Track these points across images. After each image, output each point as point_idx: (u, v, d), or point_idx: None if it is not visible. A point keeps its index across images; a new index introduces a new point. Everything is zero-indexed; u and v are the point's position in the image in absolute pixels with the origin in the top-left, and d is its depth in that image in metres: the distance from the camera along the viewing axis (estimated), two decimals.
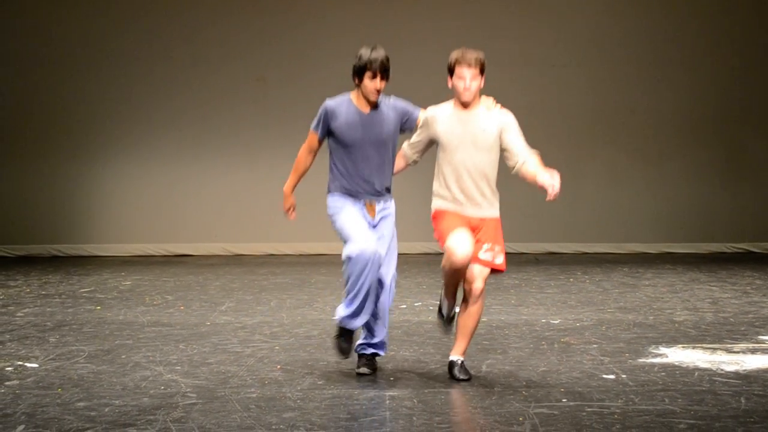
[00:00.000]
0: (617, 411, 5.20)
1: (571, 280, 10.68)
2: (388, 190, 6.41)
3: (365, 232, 6.02)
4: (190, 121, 13.65)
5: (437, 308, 6.45)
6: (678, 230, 13.46)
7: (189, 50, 13.60)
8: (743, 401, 5.37)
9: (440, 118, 6.06)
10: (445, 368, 6.21)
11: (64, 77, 13.67)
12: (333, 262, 12.02)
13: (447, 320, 6.43)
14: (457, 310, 6.28)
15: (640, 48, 13.41)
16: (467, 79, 5.87)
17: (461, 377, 5.90)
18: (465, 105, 6.00)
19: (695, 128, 13.47)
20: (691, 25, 13.40)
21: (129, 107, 13.72)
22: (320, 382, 5.94)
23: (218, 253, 13.77)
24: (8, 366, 6.47)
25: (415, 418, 5.09)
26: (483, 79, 5.99)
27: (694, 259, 12.71)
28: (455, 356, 6.02)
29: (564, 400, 5.40)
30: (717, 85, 13.42)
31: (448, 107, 6.09)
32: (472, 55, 5.89)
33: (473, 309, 6.01)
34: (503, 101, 6.03)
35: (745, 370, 6.14)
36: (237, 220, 13.52)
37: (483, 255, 5.98)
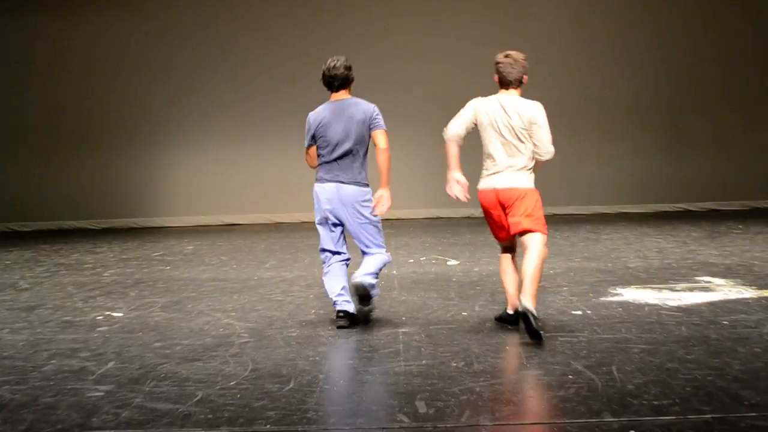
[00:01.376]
0: (584, 339, 5.24)
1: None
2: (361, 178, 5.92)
3: None
4: (237, 114, 13.66)
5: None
6: (631, 194, 13.47)
7: (236, 56, 13.58)
8: (684, 329, 5.41)
9: None
10: (446, 309, 6.25)
11: (134, 82, 13.67)
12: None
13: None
14: None
15: (601, 50, 13.38)
16: None
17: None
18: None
19: (645, 113, 13.45)
20: (642, 30, 13.34)
21: (189, 104, 13.73)
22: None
23: (262, 222, 13.79)
24: (99, 316, 6.54)
25: (422, 349, 5.14)
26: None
27: (643, 217, 12.71)
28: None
29: (541, 332, 5.42)
30: (662, 78, 13.40)
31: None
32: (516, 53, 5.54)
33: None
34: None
35: (685, 305, 6.17)
36: (276, 195, 13.53)
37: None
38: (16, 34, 13.75)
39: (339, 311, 5.78)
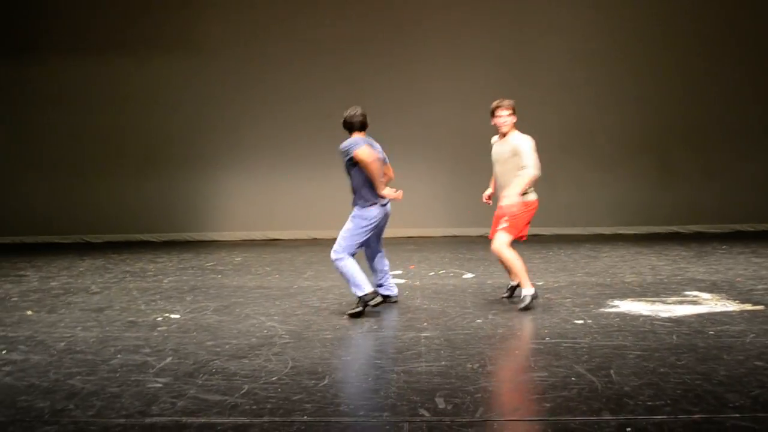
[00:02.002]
0: (585, 345, 5.19)
1: (551, 253, 10.62)
2: (354, 201, 6.53)
3: None
4: (280, 143, 13.70)
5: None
6: (627, 217, 13.38)
7: (280, 94, 13.63)
8: (674, 338, 5.35)
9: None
10: (462, 317, 6.22)
11: (191, 115, 13.77)
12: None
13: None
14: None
15: (597, 91, 13.33)
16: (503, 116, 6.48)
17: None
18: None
19: (639, 146, 13.34)
20: (634, 70, 13.29)
21: (239, 134, 13.80)
22: (375, 327, 5.98)
23: (301, 237, 13.82)
24: (159, 317, 6.56)
25: (442, 352, 5.11)
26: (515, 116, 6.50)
27: (638, 238, 12.59)
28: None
29: (547, 338, 5.39)
30: (653, 115, 13.30)
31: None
32: (506, 101, 6.50)
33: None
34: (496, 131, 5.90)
35: (675, 316, 6.10)
36: (314, 213, 13.54)
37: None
38: (101, 73, 13.89)
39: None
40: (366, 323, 6.11)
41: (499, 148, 6.56)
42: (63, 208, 14.04)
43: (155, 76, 13.83)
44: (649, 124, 13.34)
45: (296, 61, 13.64)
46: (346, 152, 6.37)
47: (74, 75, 13.98)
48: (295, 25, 13.65)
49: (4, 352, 5.41)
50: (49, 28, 13.97)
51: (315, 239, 13.61)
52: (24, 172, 14.18)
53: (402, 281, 8.28)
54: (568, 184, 13.15)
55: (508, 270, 6.76)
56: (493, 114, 6.53)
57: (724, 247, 10.92)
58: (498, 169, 6.57)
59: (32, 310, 7.01)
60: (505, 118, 6.47)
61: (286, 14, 13.69)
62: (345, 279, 6.44)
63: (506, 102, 6.49)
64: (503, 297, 7.03)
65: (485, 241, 12.19)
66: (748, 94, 13.32)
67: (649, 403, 3.95)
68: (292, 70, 13.63)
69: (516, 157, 6.34)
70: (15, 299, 7.68)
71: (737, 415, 3.75)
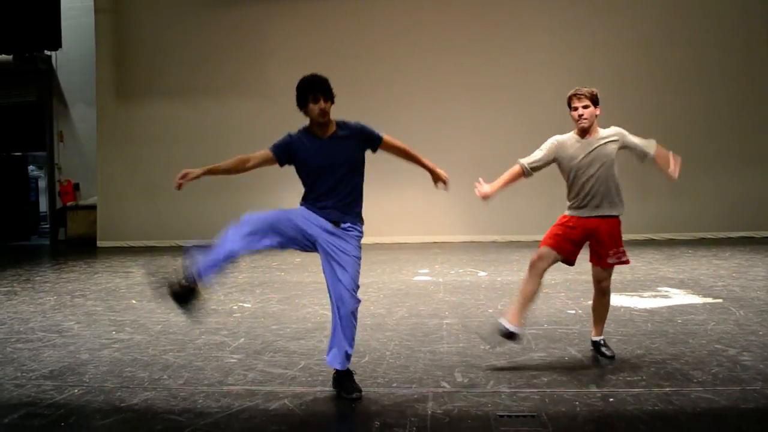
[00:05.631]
0: (576, 331, 5.15)
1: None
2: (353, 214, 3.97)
3: (263, 214, 3.77)
4: None
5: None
6: None
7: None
8: (649, 325, 5.29)
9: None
10: (476, 308, 6.18)
11: (263, 144, 13.88)
12: (409, 247, 12.05)
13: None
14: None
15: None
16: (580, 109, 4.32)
17: (608, 354, 4.35)
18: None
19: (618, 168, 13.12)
20: (621, 95, 13.08)
21: None
22: (406, 315, 5.98)
23: None
24: (234, 306, 6.63)
25: (460, 336, 5.10)
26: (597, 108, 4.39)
27: None
28: (597, 337, 4.50)
29: (545, 325, 5.36)
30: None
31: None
32: (584, 90, 4.36)
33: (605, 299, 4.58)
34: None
35: (650, 308, 6.02)
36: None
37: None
38: (188, 112, 14.07)
39: None
40: (398, 312, 6.10)
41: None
42: (160, 219, 14.18)
43: (230, 114, 13.93)
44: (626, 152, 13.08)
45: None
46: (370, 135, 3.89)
47: (168, 115, 14.16)
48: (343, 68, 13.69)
49: (114, 332, 5.50)
50: (151, 79, 14.21)
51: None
52: (131, 191, 14.37)
53: (429, 278, 8.26)
54: (562, 199, 12.99)
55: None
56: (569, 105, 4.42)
57: (689, 251, 10.74)
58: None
59: (136, 300, 7.12)
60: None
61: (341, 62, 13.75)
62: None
63: (585, 90, 4.36)
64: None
65: (497, 246, 12.18)
66: (714, 121, 12.94)
67: (629, 379, 3.91)
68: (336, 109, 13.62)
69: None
70: (123, 291, 7.81)
71: (700, 388, 3.71)
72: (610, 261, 4.49)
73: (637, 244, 12.27)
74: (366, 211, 4.08)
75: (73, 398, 3.78)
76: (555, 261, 4.49)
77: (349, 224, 3.90)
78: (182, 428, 3.30)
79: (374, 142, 3.92)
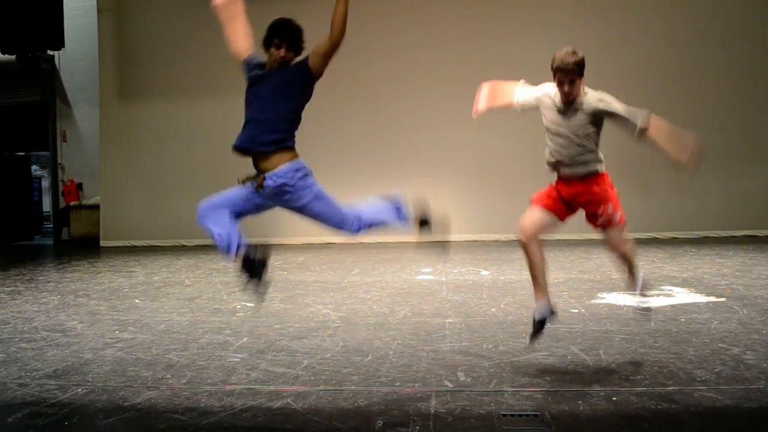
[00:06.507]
0: (579, 330, 5.14)
1: (551, 255, 10.49)
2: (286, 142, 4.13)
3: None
4: (342, 166, 13.73)
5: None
6: None
7: (334, 124, 13.68)
8: (652, 324, 5.28)
9: None
10: (479, 306, 6.17)
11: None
12: (412, 246, 12.07)
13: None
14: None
15: None
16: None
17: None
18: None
19: (621, 167, 12.86)
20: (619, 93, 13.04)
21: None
22: (408, 314, 5.96)
23: (351, 242, 13.79)
24: (238, 305, 6.63)
25: (463, 335, 5.09)
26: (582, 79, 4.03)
27: None
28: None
29: (548, 324, 5.33)
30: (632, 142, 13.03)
31: None
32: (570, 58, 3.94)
33: None
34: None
35: (653, 306, 5.96)
36: None
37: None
38: (192, 112, 14.08)
39: None
40: (401, 311, 6.10)
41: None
42: (163, 219, 14.19)
43: (233, 113, 13.74)
44: (628, 148, 12.98)
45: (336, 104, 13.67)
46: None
47: (171, 114, 14.16)
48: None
49: (117, 332, 5.51)
50: (154, 78, 14.21)
51: (362, 243, 13.58)
52: (134, 191, 14.38)
53: (432, 277, 8.26)
54: None
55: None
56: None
57: (693, 250, 10.73)
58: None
59: (139, 299, 7.13)
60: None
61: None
62: (379, 223, 4.42)
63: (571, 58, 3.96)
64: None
65: (499, 245, 12.17)
66: (718, 119, 12.81)
67: (631, 377, 3.90)
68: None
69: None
70: (126, 290, 7.82)
71: (704, 387, 3.69)
72: (600, 222, 4.45)
73: (640, 242, 12.21)
74: None
75: (77, 397, 3.78)
76: (542, 218, 4.38)
77: (273, 175, 4.09)
78: (185, 427, 3.30)
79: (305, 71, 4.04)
